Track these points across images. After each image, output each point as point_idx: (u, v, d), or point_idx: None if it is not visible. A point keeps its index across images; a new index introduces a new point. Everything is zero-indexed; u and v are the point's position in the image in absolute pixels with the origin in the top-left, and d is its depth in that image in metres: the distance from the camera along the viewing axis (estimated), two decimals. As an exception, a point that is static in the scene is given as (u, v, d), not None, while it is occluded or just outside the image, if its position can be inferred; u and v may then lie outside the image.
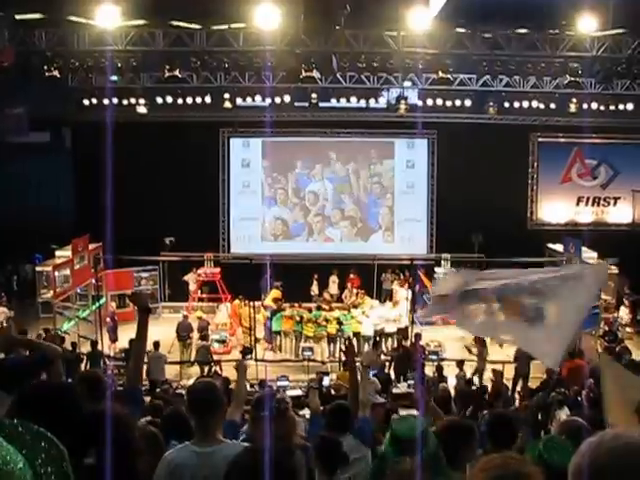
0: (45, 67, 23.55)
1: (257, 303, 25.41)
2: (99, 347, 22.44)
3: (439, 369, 20.05)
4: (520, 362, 20.73)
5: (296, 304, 26.00)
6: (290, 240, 31.70)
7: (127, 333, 24.40)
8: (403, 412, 11.48)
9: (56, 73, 23.71)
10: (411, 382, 19.66)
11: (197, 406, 5.31)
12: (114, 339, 24.67)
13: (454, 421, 6.64)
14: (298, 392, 18.47)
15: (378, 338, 24.39)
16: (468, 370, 20.88)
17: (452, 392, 17.45)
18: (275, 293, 26.42)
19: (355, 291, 28.40)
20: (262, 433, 5.75)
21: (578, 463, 2.34)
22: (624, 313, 25.86)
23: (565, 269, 8.56)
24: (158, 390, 17.97)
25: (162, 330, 25.32)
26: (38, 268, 26.08)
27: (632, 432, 2.42)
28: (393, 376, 21.25)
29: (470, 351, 23.10)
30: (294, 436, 7.45)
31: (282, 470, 3.01)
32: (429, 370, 20.45)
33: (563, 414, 13.41)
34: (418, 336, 22.27)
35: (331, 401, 12.71)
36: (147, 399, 15.38)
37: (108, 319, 25.14)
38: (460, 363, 20.65)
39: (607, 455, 2.28)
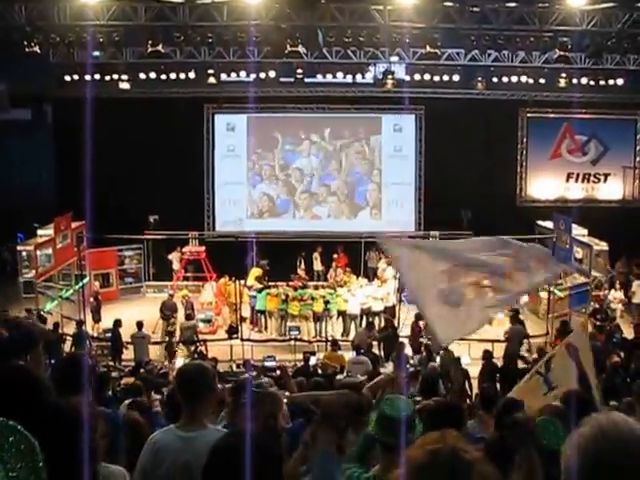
0: (25, 42, 23.09)
1: (243, 282, 25.14)
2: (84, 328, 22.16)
3: (428, 348, 19.71)
4: (511, 342, 20.62)
5: (281, 283, 25.66)
6: (276, 217, 31.32)
7: (111, 313, 24.36)
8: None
9: (37, 49, 23.32)
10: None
11: (185, 389, 5.13)
12: (97, 319, 24.45)
13: (442, 403, 6.75)
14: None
15: (371, 318, 24.00)
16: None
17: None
18: (256, 272, 26.19)
19: (340, 270, 28.17)
20: (242, 420, 5.78)
21: (576, 457, 2.29)
22: (618, 291, 25.56)
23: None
24: (142, 371, 17.81)
25: (146, 310, 25.19)
26: (20, 247, 25.62)
27: (624, 418, 2.36)
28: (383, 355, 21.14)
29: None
30: (279, 416, 7.39)
31: (263, 454, 3.01)
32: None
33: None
34: (418, 317, 21.59)
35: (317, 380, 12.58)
36: (131, 380, 15.39)
37: (92, 299, 24.89)
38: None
39: (609, 451, 2.23)
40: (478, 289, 8.22)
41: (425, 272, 8.31)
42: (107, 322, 23.85)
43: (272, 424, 7.40)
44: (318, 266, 29.48)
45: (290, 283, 26.06)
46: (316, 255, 29.55)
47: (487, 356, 18.59)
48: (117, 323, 21.92)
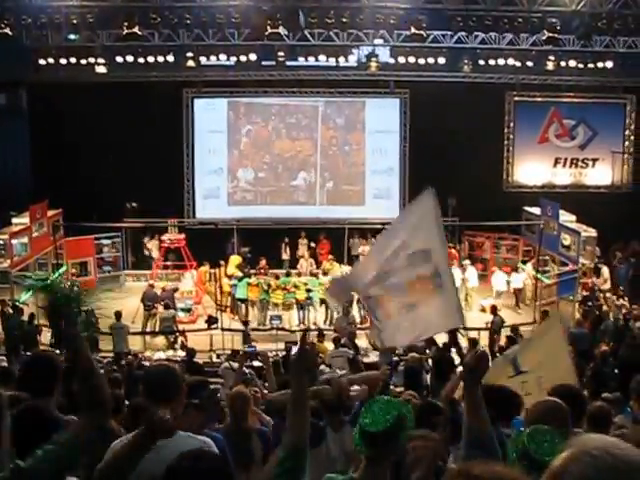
0: (-5, 24, 22.50)
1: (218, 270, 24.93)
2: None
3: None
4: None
5: (261, 271, 25.17)
6: (257, 204, 30.71)
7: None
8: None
9: (7, 30, 22.68)
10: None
11: (150, 393, 4.73)
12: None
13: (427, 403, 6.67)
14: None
15: (348, 304, 23.54)
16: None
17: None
18: (236, 260, 25.79)
19: (310, 260, 28.00)
20: (189, 423, 5.38)
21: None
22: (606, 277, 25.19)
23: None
24: (123, 362, 17.43)
25: (125, 299, 24.70)
26: (-6, 236, 25.06)
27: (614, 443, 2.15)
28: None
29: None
30: (249, 416, 7.31)
31: (218, 475, 3.01)
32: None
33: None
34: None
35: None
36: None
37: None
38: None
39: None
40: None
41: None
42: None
43: (242, 425, 7.04)
44: (287, 255, 29.00)
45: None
46: (301, 242, 29.08)
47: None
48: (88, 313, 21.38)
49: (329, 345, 19.24)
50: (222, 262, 25.82)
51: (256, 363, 16.29)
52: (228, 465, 3.23)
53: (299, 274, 25.68)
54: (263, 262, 26.79)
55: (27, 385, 5.28)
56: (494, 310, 21.61)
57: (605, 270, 24.79)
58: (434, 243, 7.05)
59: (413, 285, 7.15)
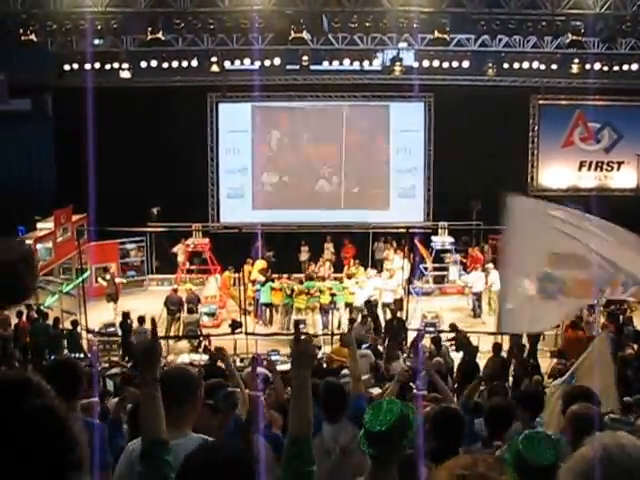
0: (21, 31, 22.64)
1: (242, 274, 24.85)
2: (83, 324, 21.69)
3: (436, 341, 19.09)
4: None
5: (284, 276, 25.13)
6: (282, 208, 30.71)
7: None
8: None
9: (33, 37, 22.84)
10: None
11: (165, 395, 4.48)
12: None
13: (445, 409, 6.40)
14: (290, 366, 17.73)
15: (366, 311, 23.45)
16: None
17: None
18: (261, 264, 25.84)
19: (328, 264, 27.95)
20: (204, 424, 5.44)
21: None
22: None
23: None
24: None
25: (149, 303, 24.82)
26: (20, 241, 25.19)
27: (633, 440, 2.15)
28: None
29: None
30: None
31: (237, 469, 2.90)
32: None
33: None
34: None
35: (323, 375, 12.00)
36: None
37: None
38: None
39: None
40: (577, 288, 7.84)
41: (537, 245, 8.10)
42: (107, 316, 23.86)
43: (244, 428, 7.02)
44: (305, 257, 29.07)
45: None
46: (327, 246, 29.13)
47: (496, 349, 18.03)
48: (126, 316, 21.49)
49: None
50: (249, 261, 25.94)
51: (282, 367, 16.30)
52: (250, 458, 3.12)
53: (323, 278, 25.64)
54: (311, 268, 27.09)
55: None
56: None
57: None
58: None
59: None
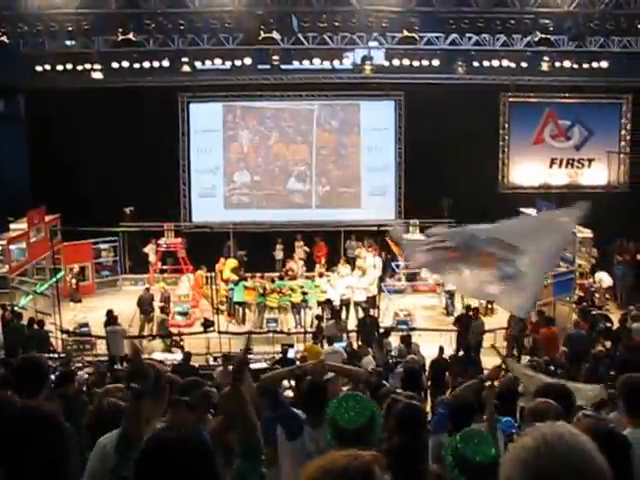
0: (-8, 32, 22.63)
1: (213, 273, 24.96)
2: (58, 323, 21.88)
3: (406, 339, 19.22)
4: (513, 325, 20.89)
5: (257, 274, 25.17)
6: (253, 207, 30.84)
7: (87, 307, 24.36)
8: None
9: (4, 38, 22.83)
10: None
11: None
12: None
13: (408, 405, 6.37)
14: (263, 365, 18.10)
15: (343, 308, 23.57)
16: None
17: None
18: (232, 263, 25.86)
19: (301, 263, 27.99)
20: (181, 420, 5.61)
21: (516, 471, 2.18)
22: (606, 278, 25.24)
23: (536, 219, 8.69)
24: (119, 367, 17.55)
25: (122, 303, 24.81)
26: (-7, 242, 25.20)
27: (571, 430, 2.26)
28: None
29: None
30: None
31: (191, 454, 2.96)
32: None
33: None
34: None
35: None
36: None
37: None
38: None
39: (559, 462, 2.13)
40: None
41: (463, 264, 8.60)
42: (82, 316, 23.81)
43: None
44: (280, 255, 29.08)
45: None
46: (297, 244, 29.08)
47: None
48: (110, 314, 21.37)
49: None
50: (221, 260, 26.13)
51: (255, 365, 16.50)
52: (206, 440, 3.17)
53: (294, 277, 25.74)
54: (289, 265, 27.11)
55: (17, 387, 5.37)
56: (476, 313, 21.58)
57: (602, 275, 24.95)
58: (532, 249, 7.77)
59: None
